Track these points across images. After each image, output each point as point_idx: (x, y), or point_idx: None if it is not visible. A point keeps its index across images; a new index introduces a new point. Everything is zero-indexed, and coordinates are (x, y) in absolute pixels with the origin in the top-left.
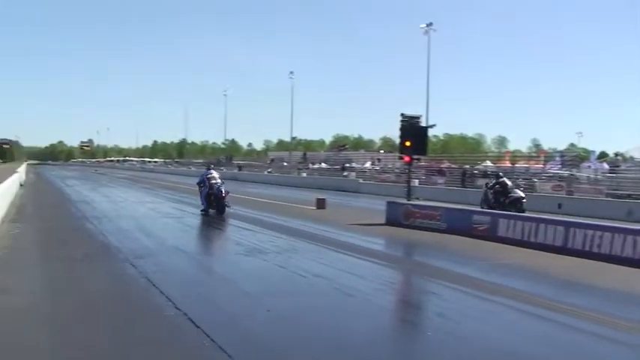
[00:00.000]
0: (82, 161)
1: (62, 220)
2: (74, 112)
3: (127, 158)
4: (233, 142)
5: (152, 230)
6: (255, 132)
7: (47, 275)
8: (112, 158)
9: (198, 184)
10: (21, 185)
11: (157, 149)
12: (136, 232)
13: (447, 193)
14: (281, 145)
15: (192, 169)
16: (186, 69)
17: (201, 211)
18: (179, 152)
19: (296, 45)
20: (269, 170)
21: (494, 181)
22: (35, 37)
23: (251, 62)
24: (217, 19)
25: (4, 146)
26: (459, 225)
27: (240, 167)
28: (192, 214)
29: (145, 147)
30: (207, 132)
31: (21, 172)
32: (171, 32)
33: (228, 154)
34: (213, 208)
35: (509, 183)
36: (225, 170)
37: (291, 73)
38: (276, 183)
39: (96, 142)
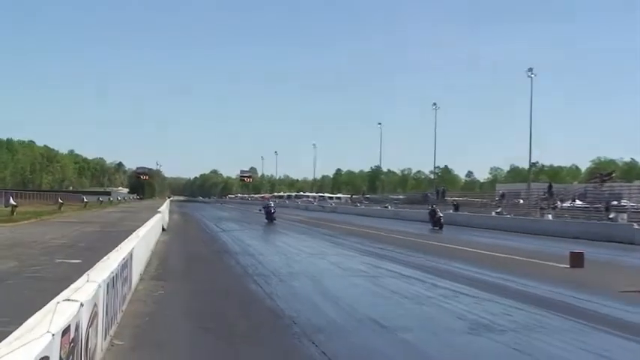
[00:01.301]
0: (242, 197)
1: (218, 279)
2: (232, 133)
3: (301, 193)
4: (446, 170)
5: (337, 294)
6: (476, 156)
7: (198, 354)
8: (282, 193)
9: (264, 207)
10: (163, 230)
11: (340, 181)
12: (315, 296)
13: None
14: (515, 173)
15: (390, 208)
16: (379, 73)
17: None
18: (371, 184)
19: (532, 35)
20: (498, 210)
21: (430, 208)
22: (186, 52)
23: (471, 59)
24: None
25: (142, 178)
26: None
27: (456, 206)
28: (389, 271)
29: (324, 177)
30: (408, 157)
31: (163, 212)
32: (361, 30)
33: (439, 186)
34: (268, 219)
35: (437, 209)
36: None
37: (530, 70)
38: (509, 229)
39: (260, 172)
